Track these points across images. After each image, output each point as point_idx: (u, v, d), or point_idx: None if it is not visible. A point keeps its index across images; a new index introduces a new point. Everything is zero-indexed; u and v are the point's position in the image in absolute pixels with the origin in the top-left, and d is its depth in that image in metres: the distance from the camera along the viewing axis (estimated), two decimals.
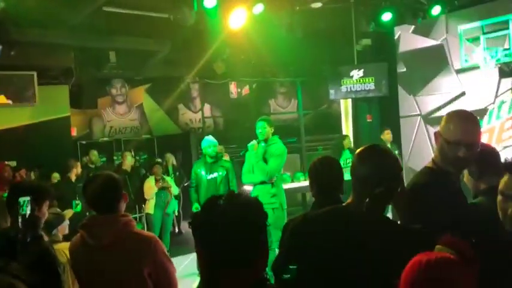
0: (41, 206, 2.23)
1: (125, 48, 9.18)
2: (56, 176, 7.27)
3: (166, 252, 2.27)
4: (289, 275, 1.61)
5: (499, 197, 1.43)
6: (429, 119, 9.24)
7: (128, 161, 7.77)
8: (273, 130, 5.10)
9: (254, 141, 5.09)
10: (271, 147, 5.02)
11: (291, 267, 1.61)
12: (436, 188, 1.85)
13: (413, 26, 9.06)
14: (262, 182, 5.02)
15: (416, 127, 9.08)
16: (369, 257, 1.56)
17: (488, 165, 2.05)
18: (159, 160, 8.11)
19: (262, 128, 5.04)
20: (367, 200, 1.63)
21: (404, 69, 9.40)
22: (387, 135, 8.49)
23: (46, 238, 2.89)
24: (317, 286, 1.21)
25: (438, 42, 8.84)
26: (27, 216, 2.10)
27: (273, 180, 5.06)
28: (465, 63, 8.48)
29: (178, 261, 6.84)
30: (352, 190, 1.74)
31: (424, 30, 9.12)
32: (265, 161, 5.03)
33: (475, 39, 8.22)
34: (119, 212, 2.23)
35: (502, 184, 1.43)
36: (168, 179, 7.51)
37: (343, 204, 1.80)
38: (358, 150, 1.80)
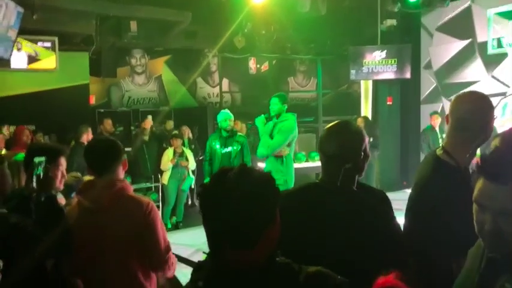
0: (55, 166, 2.25)
1: (146, 17, 9.12)
2: (73, 143, 7.36)
3: (160, 218, 2.29)
4: None
5: (474, 207, 1.19)
6: None
7: (149, 124, 7.78)
8: (286, 107, 5.03)
9: (262, 116, 5.05)
10: (280, 124, 4.98)
11: None
12: (441, 181, 1.77)
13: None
14: (269, 157, 5.02)
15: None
16: (349, 224, 1.63)
17: None
18: (176, 132, 8.13)
19: (274, 104, 5.00)
20: (339, 176, 1.68)
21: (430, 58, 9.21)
22: (436, 119, 8.19)
23: (63, 201, 2.94)
24: (296, 259, 1.19)
25: (468, 40, 8.61)
26: (41, 177, 2.12)
27: (282, 155, 5.01)
28: (492, 49, 8.25)
29: (191, 232, 6.93)
30: (322, 167, 1.78)
31: (452, 16, 8.88)
32: (273, 137, 5.01)
33: (504, 25, 7.98)
34: (117, 176, 2.25)
35: (476, 191, 1.17)
36: (187, 151, 7.55)
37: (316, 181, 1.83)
38: (326, 128, 1.82)
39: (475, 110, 1.81)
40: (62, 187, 2.35)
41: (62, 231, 2.07)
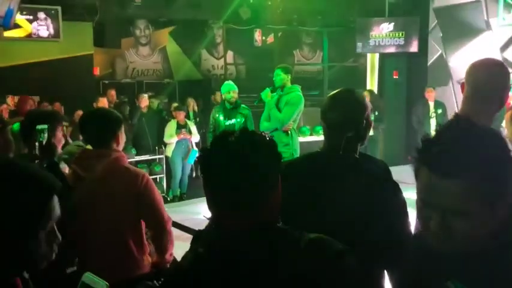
0: (55, 132, 2.26)
1: None
2: (79, 114, 7.36)
3: (155, 188, 2.31)
4: None
5: (418, 202, 1.03)
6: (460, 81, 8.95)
7: (145, 102, 7.72)
8: (290, 78, 4.94)
9: (267, 89, 4.99)
10: (287, 96, 4.90)
11: None
12: None
13: None
14: (276, 130, 4.97)
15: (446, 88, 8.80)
16: (351, 192, 1.62)
17: None
18: (176, 104, 8.09)
19: (277, 76, 4.92)
20: (342, 143, 1.67)
21: (435, 23, 9.01)
22: (430, 93, 8.07)
23: (66, 170, 2.95)
24: (301, 226, 1.19)
25: (479, 19, 8.37)
26: (44, 144, 2.12)
27: (288, 129, 4.99)
28: (503, 21, 8.08)
29: (195, 203, 6.98)
30: (324, 136, 1.78)
31: None
32: (280, 109, 4.95)
33: None
34: (111, 147, 2.25)
35: (419, 185, 1.02)
36: (190, 123, 7.53)
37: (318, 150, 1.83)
38: (328, 96, 1.80)
39: (492, 78, 1.79)
40: (60, 151, 2.37)
41: (65, 197, 2.08)
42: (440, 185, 0.95)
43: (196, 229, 1.26)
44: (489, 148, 0.95)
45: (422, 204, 1.02)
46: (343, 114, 1.68)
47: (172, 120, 7.34)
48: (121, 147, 2.31)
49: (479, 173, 0.92)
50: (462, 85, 1.86)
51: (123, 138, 2.31)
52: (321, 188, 1.65)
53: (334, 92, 1.80)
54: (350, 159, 1.71)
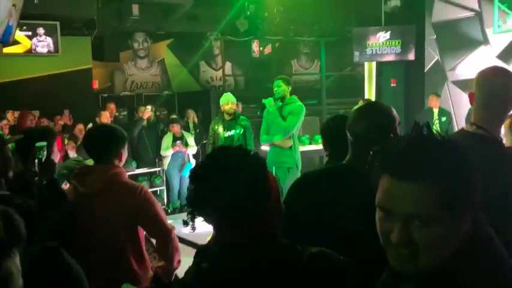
0: (52, 148, 2.29)
1: (148, 1, 9.06)
2: (80, 128, 7.39)
3: (154, 200, 2.33)
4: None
5: (378, 214, 0.97)
6: (456, 84, 8.99)
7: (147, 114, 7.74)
8: (290, 89, 5.03)
9: (270, 98, 5.05)
10: (288, 106, 4.98)
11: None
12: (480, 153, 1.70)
13: None
14: (273, 143, 5.02)
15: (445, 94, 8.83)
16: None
17: None
18: (174, 116, 8.12)
19: (278, 87, 4.98)
20: (369, 157, 1.57)
21: (435, 36, 9.10)
22: (434, 100, 8.03)
23: (66, 185, 2.97)
24: (318, 243, 1.19)
25: (472, 13, 8.44)
26: (43, 161, 2.14)
27: (289, 145, 5.03)
28: (498, 28, 8.14)
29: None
30: (350, 148, 1.72)
31: None
32: (282, 119, 5.01)
33: (510, 4, 7.86)
34: (113, 163, 2.28)
35: (379, 193, 0.96)
36: (186, 135, 7.54)
37: (343, 162, 1.78)
38: (354, 108, 1.78)
39: (503, 85, 1.80)
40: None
41: (66, 215, 2.09)
42: (401, 188, 0.91)
43: (195, 241, 1.28)
44: (456, 156, 0.92)
45: (382, 215, 0.95)
46: (370, 126, 1.64)
47: (169, 132, 7.35)
48: (122, 163, 2.35)
49: (441, 177, 0.89)
50: (471, 95, 1.85)
51: (125, 155, 2.35)
52: (347, 204, 1.58)
53: (360, 105, 1.77)
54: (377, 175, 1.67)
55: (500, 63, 8.24)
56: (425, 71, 9.64)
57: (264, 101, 5.10)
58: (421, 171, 0.89)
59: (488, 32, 8.44)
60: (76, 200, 2.22)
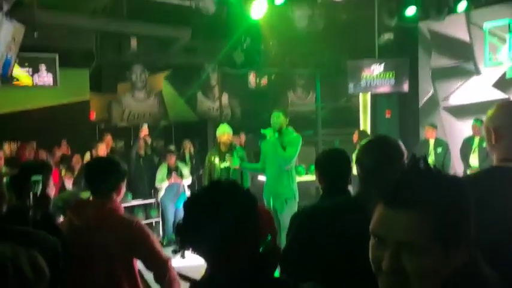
0: (48, 182, 2.30)
1: (146, 34, 9.23)
2: (77, 158, 7.41)
3: (149, 233, 2.33)
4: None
5: (371, 241, 0.99)
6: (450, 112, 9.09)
7: (145, 131, 7.72)
8: (287, 121, 5.11)
9: (270, 129, 5.09)
10: (286, 137, 5.04)
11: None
12: None
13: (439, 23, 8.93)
14: (275, 174, 5.04)
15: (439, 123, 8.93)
16: None
17: None
18: (171, 148, 8.15)
19: (277, 118, 5.05)
20: (375, 192, 1.63)
21: (428, 71, 9.29)
22: (430, 131, 8.03)
23: (61, 218, 2.96)
24: (325, 279, 1.20)
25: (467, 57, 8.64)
26: (38, 195, 2.15)
27: (289, 169, 5.08)
28: (489, 61, 8.31)
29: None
30: (360, 182, 1.72)
31: (449, 27, 8.98)
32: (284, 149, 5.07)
33: (501, 38, 8.04)
34: (110, 197, 2.30)
35: (373, 220, 0.98)
36: (181, 166, 7.54)
37: (352, 196, 1.79)
38: (364, 141, 1.79)
39: None
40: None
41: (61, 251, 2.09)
42: (394, 216, 0.92)
43: (189, 275, 1.29)
44: (451, 189, 0.94)
45: (374, 242, 0.97)
46: (381, 159, 1.65)
47: (163, 163, 7.34)
48: (120, 197, 2.37)
49: (433, 207, 0.90)
50: (492, 130, 1.72)
51: (124, 189, 2.38)
52: (353, 242, 1.52)
53: (369, 139, 1.81)
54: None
55: (496, 91, 8.36)
56: (419, 101, 9.78)
57: (264, 131, 5.14)
58: (414, 200, 0.91)
59: (480, 64, 8.63)
60: (71, 233, 2.22)
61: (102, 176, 2.31)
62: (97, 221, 2.23)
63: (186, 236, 1.19)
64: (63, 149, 8.01)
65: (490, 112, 1.76)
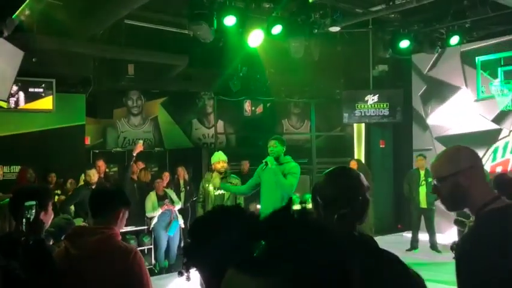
0: (46, 208, 2.27)
1: (143, 61, 9.34)
2: (71, 183, 7.35)
3: (145, 266, 2.29)
4: None
5: None
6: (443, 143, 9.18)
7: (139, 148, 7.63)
8: (284, 150, 5.07)
9: (271, 157, 5.03)
10: (286, 166, 4.96)
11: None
12: None
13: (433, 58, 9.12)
14: (271, 201, 4.98)
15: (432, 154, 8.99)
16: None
17: None
18: (160, 179, 8.09)
19: (273, 147, 5.00)
20: (335, 220, 1.61)
21: (421, 104, 9.42)
22: (420, 162, 8.17)
23: (51, 242, 2.92)
24: None
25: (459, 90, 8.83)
26: (31, 220, 2.13)
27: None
28: (482, 94, 8.45)
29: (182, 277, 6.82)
30: (318, 215, 1.70)
31: (442, 62, 9.17)
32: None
33: (493, 72, 8.20)
34: (110, 224, 2.27)
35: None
36: (169, 192, 7.51)
37: None
38: (325, 172, 1.78)
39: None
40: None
41: (50, 277, 2.06)
42: (245, 284, 0.75)
43: None
44: (325, 246, 0.76)
45: None
46: (337, 190, 1.66)
47: (151, 192, 7.31)
48: (121, 226, 2.33)
49: (295, 273, 0.72)
50: (453, 176, 1.70)
51: (125, 218, 2.35)
52: None
53: (329, 169, 1.79)
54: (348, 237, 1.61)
55: (487, 123, 8.47)
56: (413, 132, 9.88)
57: (266, 159, 5.07)
58: (270, 266, 0.73)
59: (473, 98, 8.77)
60: (66, 261, 2.17)
61: (105, 204, 2.30)
62: (93, 249, 2.18)
63: (191, 255, 1.22)
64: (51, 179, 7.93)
65: (439, 162, 1.76)
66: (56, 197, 6.73)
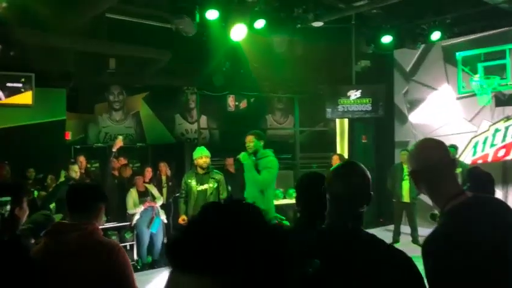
0: (21, 204, 2.23)
1: (125, 55, 9.22)
2: (51, 179, 7.24)
3: (129, 261, 2.28)
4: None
5: None
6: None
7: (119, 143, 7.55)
8: (263, 143, 5.04)
9: (245, 153, 5.05)
10: (262, 161, 4.97)
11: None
12: None
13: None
14: (251, 196, 4.97)
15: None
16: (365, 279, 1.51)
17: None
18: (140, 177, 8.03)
19: (249, 142, 4.99)
20: (353, 220, 1.60)
21: (403, 99, 9.51)
22: (404, 156, 8.23)
23: (32, 240, 2.86)
24: None
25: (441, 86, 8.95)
26: (6, 216, 2.08)
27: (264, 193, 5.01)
28: (462, 89, 8.55)
29: (163, 271, 6.78)
30: (333, 209, 1.68)
31: (424, 57, 9.26)
32: (258, 173, 4.99)
33: (473, 67, 8.30)
34: (90, 220, 2.24)
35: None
36: (150, 187, 7.46)
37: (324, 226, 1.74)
38: (333, 168, 1.76)
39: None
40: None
41: (27, 274, 2.01)
42: (177, 282, 0.75)
43: None
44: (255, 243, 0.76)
45: None
46: (353, 187, 1.64)
47: (132, 189, 7.25)
48: (99, 221, 2.30)
49: (225, 271, 0.73)
50: (414, 174, 1.78)
51: (102, 213, 2.32)
52: (340, 270, 1.52)
53: (338, 164, 1.78)
54: (366, 235, 1.62)
55: (468, 117, 8.59)
56: (394, 126, 9.97)
57: (238, 156, 5.09)
58: (199, 263, 0.73)
59: (453, 93, 8.89)
60: (48, 259, 2.13)
61: (83, 200, 2.26)
62: (76, 245, 2.14)
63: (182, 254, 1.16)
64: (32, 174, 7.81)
65: (408, 155, 1.80)
66: (36, 193, 6.61)
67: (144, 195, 7.24)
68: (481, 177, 2.97)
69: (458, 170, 5.01)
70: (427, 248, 1.64)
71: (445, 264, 1.55)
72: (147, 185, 7.45)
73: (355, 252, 1.55)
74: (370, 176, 1.71)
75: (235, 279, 0.71)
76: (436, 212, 1.77)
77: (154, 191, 7.43)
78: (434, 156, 1.72)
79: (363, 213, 1.65)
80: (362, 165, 1.76)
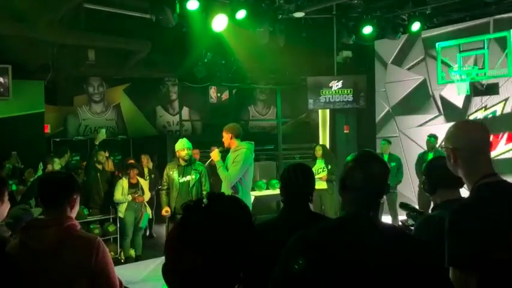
0: (2, 198, 2.18)
1: (105, 46, 9.09)
2: (30, 172, 7.12)
3: (109, 255, 2.23)
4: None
5: None
6: (405, 135, 9.44)
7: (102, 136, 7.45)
8: (235, 135, 4.82)
9: (216, 150, 4.93)
10: (233, 154, 4.82)
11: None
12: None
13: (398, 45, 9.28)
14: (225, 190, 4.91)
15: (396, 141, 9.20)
16: (392, 269, 1.52)
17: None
18: (132, 162, 7.96)
19: (222, 138, 4.90)
20: (373, 210, 1.61)
21: (384, 89, 9.64)
22: (384, 146, 8.32)
23: (8, 233, 2.81)
24: None
25: (421, 77, 9.01)
26: None
27: (235, 188, 4.87)
28: (442, 79, 8.66)
29: (147, 264, 6.75)
30: (347, 199, 1.68)
31: (405, 47, 9.35)
32: (227, 169, 4.88)
33: (452, 57, 8.41)
34: (65, 213, 2.18)
35: None
36: (142, 182, 7.39)
37: (345, 216, 1.69)
38: (351, 158, 1.73)
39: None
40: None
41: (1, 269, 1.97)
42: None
43: None
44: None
45: None
46: (372, 177, 1.63)
47: (124, 178, 7.14)
48: (74, 213, 2.23)
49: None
50: (450, 151, 1.81)
51: (77, 204, 2.25)
52: (365, 260, 1.51)
53: (357, 154, 1.75)
54: (387, 224, 1.68)
55: (447, 108, 8.71)
56: (376, 117, 10.06)
57: (211, 154, 4.98)
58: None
59: (433, 84, 8.99)
60: (25, 256, 2.06)
61: (53, 191, 2.18)
62: (53, 241, 2.08)
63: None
64: (13, 162, 7.68)
65: (448, 133, 1.85)
66: (15, 187, 6.50)
67: (134, 187, 7.15)
68: (438, 168, 2.87)
69: None
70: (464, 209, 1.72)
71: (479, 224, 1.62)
72: (139, 179, 7.34)
73: (379, 242, 1.55)
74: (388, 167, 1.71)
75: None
76: (406, 202, 1.84)
77: (145, 186, 7.33)
78: (477, 137, 1.79)
79: (380, 202, 1.66)
80: (379, 156, 1.79)
